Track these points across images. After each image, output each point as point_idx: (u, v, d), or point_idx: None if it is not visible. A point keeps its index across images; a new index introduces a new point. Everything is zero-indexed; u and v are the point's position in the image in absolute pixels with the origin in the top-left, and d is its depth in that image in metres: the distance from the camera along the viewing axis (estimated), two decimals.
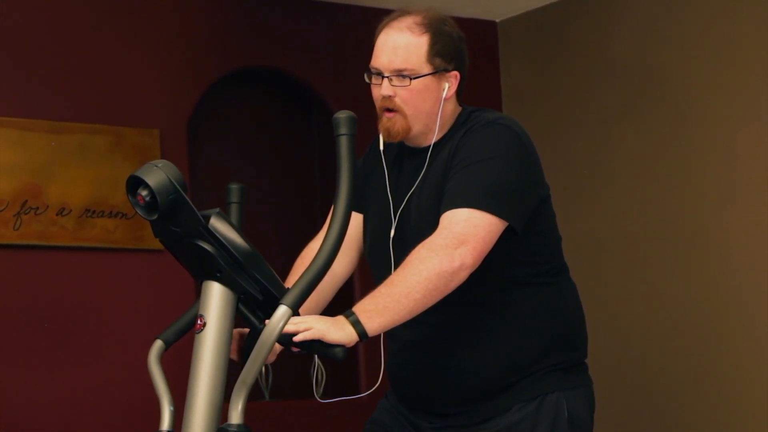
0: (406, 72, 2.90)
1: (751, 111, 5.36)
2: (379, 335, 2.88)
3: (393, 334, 2.96)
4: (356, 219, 3.09)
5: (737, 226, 5.38)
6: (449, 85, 2.95)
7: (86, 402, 5.13)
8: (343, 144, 2.62)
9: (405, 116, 2.92)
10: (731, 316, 5.40)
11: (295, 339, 2.58)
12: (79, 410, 5.12)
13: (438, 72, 2.92)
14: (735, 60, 5.43)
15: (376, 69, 2.94)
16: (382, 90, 2.92)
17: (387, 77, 2.91)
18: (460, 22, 6.54)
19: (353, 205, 2.71)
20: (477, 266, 2.75)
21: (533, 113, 6.18)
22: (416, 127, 2.94)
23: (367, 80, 2.97)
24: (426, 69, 2.91)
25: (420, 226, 2.87)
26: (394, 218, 2.96)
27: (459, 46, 2.97)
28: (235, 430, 2.53)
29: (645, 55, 5.80)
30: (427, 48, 2.91)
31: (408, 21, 2.93)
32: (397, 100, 2.91)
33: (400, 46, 2.91)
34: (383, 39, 2.94)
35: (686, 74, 5.61)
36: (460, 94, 3.02)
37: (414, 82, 2.90)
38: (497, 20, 6.45)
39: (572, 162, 6.03)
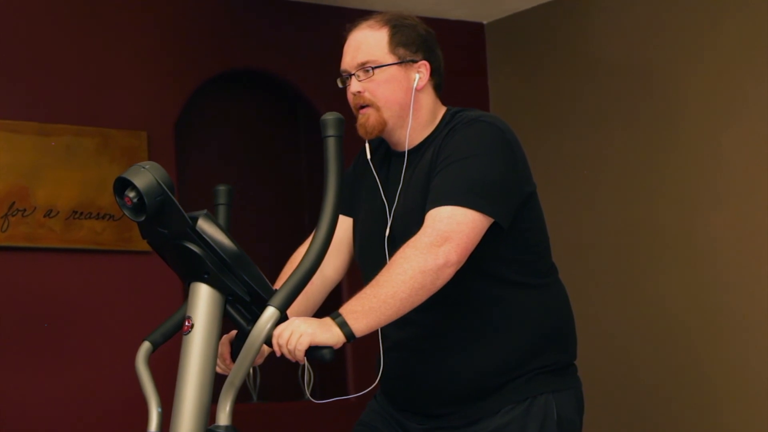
0: (368, 64, 2.94)
1: (737, 112, 5.37)
2: (374, 336, 2.89)
3: (383, 333, 2.96)
4: (346, 222, 3.10)
5: (723, 226, 5.39)
6: (420, 75, 2.97)
7: (73, 403, 5.12)
8: (331, 145, 2.63)
9: (377, 109, 2.95)
10: (718, 316, 5.40)
11: (294, 359, 2.59)
12: (67, 411, 5.11)
13: (404, 62, 2.95)
14: (720, 60, 5.45)
15: (343, 71, 2.99)
16: (351, 88, 2.97)
17: (353, 75, 2.95)
18: (448, 24, 6.54)
19: (341, 207, 2.71)
20: (462, 263, 2.76)
21: (521, 114, 6.18)
22: (391, 120, 2.96)
23: (340, 85, 3.02)
24: (389, 59, 2.95)
25: (407, 226, 2.88)
26: (389, 219, 2.97)
27: (425, 37, 3.01)
28: (222, 431, 2.53)
29: (632, 56, 5.81)
30: (387, 39, 2.96)
31: (368, 21, 3.01)
32: (366, 94, 2.95)
33: (361, 42, 2.97)
34: (347, 42, 3.00)
35: (672, 75, 5.62)
36: (439, 91, 3.03)
37: (376, 71, 2.94)
38: (484, 22, 6.45)
39: (559, 163, 6.04)
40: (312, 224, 2.75)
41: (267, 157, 6.11)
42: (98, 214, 5.23)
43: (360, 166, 3.12)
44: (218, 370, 2.82)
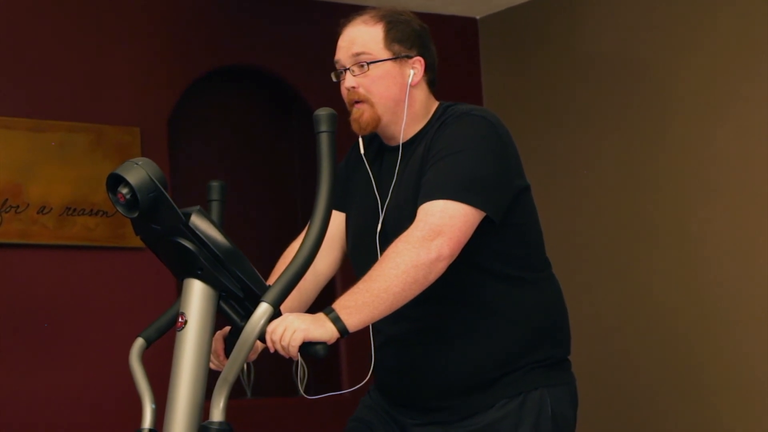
0: (363, 60, 2.93)
1: (730, 107, 5.37)
2: (368, 332, 2.88)
3: (377, 328, 2.96)
4: (339, 218, 3.10)
5: (716, 221, 5.40)
6: (415, 71, 2.97)
7: (66, 400, 5.12)
8: (324, 141, 2.62)
9: (372, 105, 2.94)
10: (712, 310, 5.41)
11: (287, 355, 2.59)
12: (60, 407, 5.11)
13: (399, 58, 2.95)
14: (714, 55, 5.45)
15: (338, 65, 2.99)
16: (345, 83, 2.96)
17: (348, 69, 2.95)
18: (441, 19, 6.53)
19: (334, 203, 2.71)
20: (454, 257, 2.76)
21: (514, 110, 6.19)
22: (385, 116, 2.96)
23: (334, 80, 3.01)
24: (384, 55, 2.94)
25: (399, 221, 2.88)
26: (381, 213, 2.97)
27: (419, 33, 3.00)
28: (216, 427, 2.53)
29: (625, 51, 5.81)
30: (382, 35, 2.95)
31: (363, 16, 3.00)
32: (361, 90, 2.94)
33: (356, 37, 2.96)
34: (341, 37, 3.00)
35: (666, 70, 5.63)
36: (433, 86, 3.03)
37: (372, 67, 2.93)
38: (478, 17, 6.46)
39: (552, 158, 6.04)
40: (305, 220, 2.75)
41: (260, 153, 6.10)
42: (91, 210, 5.23)
43: (352, 161, 3.12)
44: (212, 366, 2.82)
